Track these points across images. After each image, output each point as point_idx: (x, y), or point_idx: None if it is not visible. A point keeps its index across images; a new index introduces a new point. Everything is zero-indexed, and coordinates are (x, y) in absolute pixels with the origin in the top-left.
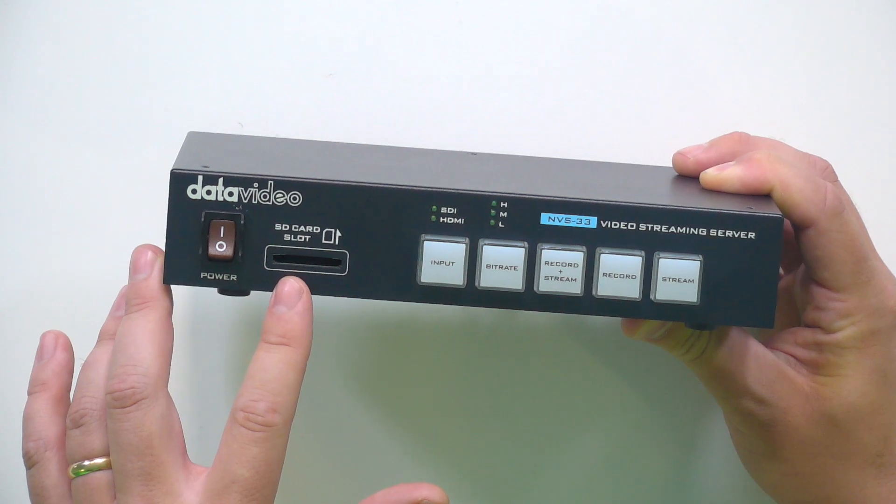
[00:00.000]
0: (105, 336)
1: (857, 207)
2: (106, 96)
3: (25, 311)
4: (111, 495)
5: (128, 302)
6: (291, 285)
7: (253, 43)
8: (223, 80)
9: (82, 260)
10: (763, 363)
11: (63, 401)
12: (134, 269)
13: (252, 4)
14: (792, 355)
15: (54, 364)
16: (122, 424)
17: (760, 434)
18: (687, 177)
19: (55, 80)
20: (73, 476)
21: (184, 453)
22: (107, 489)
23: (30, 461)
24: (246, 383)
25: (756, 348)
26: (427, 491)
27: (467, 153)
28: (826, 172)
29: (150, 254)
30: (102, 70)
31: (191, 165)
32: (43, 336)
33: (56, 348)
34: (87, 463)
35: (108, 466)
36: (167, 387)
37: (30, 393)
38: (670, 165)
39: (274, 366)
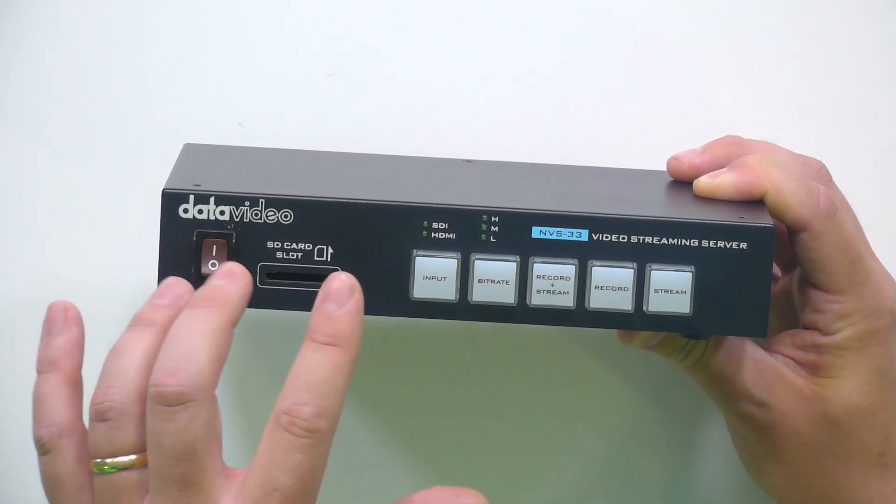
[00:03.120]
0: (140, 322)
1: (852, 208)
2: (105, 97)
3: (27, 316)
4: (141, 494)
5: (196, 297)
6: (342, 281)
7: (253, 42)
8: (223, 80)
9: (82, 263)
10: (761, 366)
11: (77, 382)
12: (220, 273)
13: (252, 4)
14: (791, 358)
15: (64, 340)
16: (165, 426)
17: (761, 437)
18: (681, 183)
19: (56, 79)
20: (96, 471)
21: (222, 457)
22: (137, 488)
23: (43, 448)
24: (290, 384)
25: (754, 352)
26: (468, 499)
27: (461, 160)
28: (820, 173)
29: (242, 268)
30: (101, 71)
31: (182, 184)
32: (50, 307)
33: (66, 322)
34: (110, 461)
35: (138, 465)
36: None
37: (39, 372)
38: (665, 170)
39: (322, 367)
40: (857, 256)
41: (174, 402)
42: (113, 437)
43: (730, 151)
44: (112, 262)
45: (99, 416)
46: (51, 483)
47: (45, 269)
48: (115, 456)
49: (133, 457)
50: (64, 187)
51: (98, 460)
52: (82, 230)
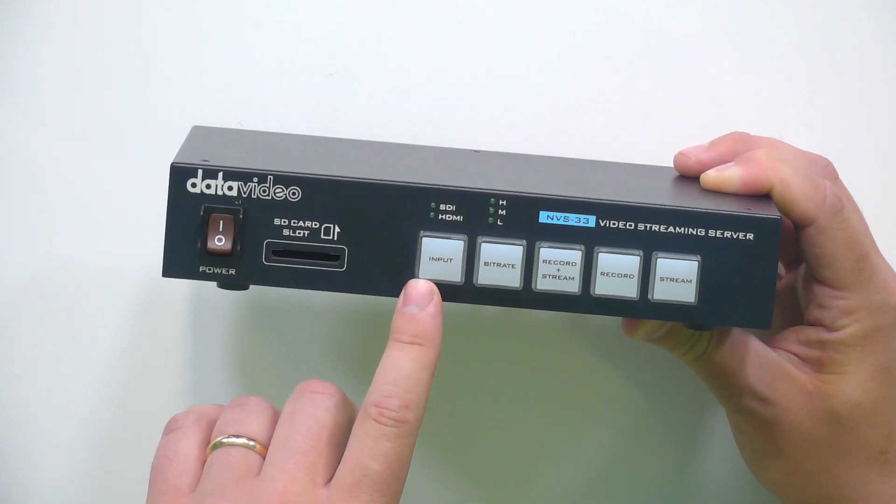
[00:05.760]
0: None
1: (858, 205)
2: (107, 96)
3: (28, 307)
4: (251, 474)
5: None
6: (423, 287)
7: (253, 42)
8: (223, 80)
9: (85, 254)
10: (765, 362)
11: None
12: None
13: (252, 4)
14: (794, 353)
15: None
16: (304, 407)
17: (763, 433)
18: (688, 177)
19: (56, 80)
20: (213, 449)
21: (337, 463)
22: (248, 467)
23: (172, 425)
24: (378, 380)
25: (757, 347)
26: None
27: (470, 150)
28: (827, 170)
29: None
30: (103, 70)
31: (191, 159)
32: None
33: None
34: (233, 440)
35: (257, 451)
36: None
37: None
38: (671, 165)
39: (407, 364)
40: (863, 253)
41: (317, 394)
42: (242, 418)
43: (736, 148)
44: (114, 252)
45: (236, 404)
46: (165, 457)
47: (49, 259)
48: (238, 436)
49: (254, 443)
50: (67, 181)
51: (223, 436)
52: (83, 224)
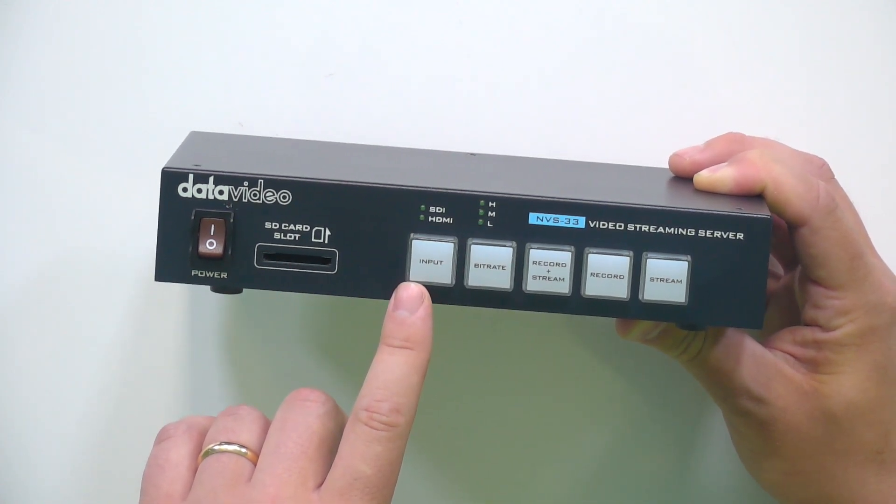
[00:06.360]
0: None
1: (854, 205)
2: (107, 96)
3: (26, 309)
4: (242, 480)
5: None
6: (413, 290)
7: (253, 43)
8: (223, 80)
9: (84, 255)
10: (760, 362)
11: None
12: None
13: (252, 4)
14: (790, 354)
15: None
16: (294, 415)
17: (760, 433)
18: (682, 178)
19: (56, 81)
20: (204, 456)
21: (328, 468)
22: (239, 472)
23: (163, 434)
24: (369, 384)
25: (753, 347)
26: None
27: (466, 154)
28: (822, 170)
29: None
30: (103, 70)
31: (183, 164)
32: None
33: None
34: (225, 447)
35: (248, 458)
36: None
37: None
38: (667, 167)
39: (398, 368)
40: (858, 252)
41: (310, 401)
42: (233, 426)
43: (731, 148)
44: (109, 255)
45: (228, 413)
46: (156, 465)
47: (45, 262)
48: (230, 444)
49: (245, 450)
50: (65, 183)
51: (214, 443)
52: (79, 226)
